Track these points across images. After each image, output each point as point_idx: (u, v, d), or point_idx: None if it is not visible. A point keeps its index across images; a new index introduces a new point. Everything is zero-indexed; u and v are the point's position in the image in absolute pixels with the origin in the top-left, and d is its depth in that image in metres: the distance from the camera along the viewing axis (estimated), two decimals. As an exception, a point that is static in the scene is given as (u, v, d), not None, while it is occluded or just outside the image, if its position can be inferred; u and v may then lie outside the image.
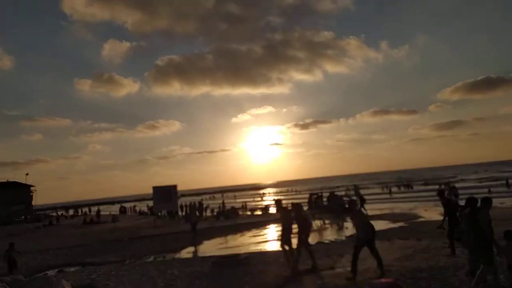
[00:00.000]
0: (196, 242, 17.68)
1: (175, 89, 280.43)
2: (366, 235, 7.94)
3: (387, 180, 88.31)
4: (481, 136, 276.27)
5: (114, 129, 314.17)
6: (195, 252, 15.70)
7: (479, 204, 6.36)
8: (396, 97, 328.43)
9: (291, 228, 9.60)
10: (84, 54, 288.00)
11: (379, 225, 18.69)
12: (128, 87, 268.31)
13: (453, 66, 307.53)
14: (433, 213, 22.62)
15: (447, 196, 10.13)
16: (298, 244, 9.16)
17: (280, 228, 10.05)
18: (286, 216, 9.83)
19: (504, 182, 43.73)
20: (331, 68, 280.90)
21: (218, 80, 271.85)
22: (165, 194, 28.25)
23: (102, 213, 43.98)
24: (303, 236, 9.17)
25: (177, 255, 15.00)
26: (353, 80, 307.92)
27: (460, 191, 34.25)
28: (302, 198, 41.66)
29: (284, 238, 9.75)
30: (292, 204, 10.85)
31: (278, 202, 10.49)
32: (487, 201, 6.30)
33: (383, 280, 2.06)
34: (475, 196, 6.73)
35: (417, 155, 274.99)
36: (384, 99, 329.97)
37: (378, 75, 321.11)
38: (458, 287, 6.58)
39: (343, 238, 15.70)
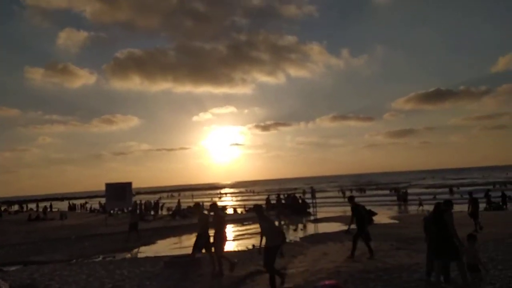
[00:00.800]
0: (138, 244, 16.86)
1: (134, 83, 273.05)
2: (273, 243, 7.25)
3: (343, 183, 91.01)
4: (431, 145, 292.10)
5: (67, 121, 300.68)
6: (146, 252, 15.29)
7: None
8: (354, 104, 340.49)
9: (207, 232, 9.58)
10: (37, 41, 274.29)
11: (333, 227, 19.20)
12: (84, 79, 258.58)
13: (407, 77, 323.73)
14: (383, 216, 23.54)
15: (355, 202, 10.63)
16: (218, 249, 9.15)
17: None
18: (204, 219, 9.80)
19: (448, 189, 46.61)
20: (294, 72, 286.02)
21: (180, 77, 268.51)
22: (119, 192, 27.28)
23: (50, 209, 41.82)
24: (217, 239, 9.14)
25: (128, 255, 14.54)
26: (315, 84, 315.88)
27: (409, 197, 36.12)
28: (259, 200, 41.94)
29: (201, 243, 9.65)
30: (210, 205, 10.36)
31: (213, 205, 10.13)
32: (449, 203, 7.19)
33: (326, 282, 2.09)
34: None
35: (372, 161, 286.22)
36: (343, 105, 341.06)
37: (339, 81, 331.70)
38: (402, 287, 6.86)
39: (298, 239, 15.91)
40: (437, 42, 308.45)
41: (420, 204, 28.10)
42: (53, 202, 68.53)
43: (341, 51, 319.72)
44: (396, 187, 51.11)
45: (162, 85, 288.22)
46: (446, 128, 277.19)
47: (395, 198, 38.32)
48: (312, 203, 30.98)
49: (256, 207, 7.96)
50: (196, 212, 10.24)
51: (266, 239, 7.32)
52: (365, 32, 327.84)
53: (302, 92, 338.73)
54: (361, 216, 10.26)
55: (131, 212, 21.20)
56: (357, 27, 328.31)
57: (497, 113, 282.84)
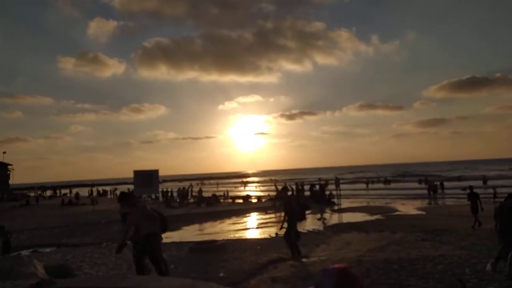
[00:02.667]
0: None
1: (161, 72, 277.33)
2: (146, 235, 6.19)
3: (369, 173, 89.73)
4: (462, 135, 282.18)
5: (98, 110, 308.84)
6: (173, 237, 15.75)
7: None
8: (383, 92, 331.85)
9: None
10: (68, 31, 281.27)
11: (357, 217, 19.10)
12: (114, 68, 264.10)
13: (440, 64, 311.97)
14: (410, 207, 23.18)
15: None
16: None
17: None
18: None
19: (481, 180, 45.09)
20: (321, 59, 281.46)
21: (206, 66, 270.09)
22: (146, 179, 27.98)
23: (81, 194, 43.53)
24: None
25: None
26: (342, 72, 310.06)
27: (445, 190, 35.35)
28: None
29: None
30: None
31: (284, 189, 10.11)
32: None
33: (335, 265, 2.11)
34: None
35: (400, 151, 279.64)
36: (371, 93, 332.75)
37: (367, 69, 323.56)
38: (425, 278, 6.81)
39: (321, 228, 15.94)
40: (472, 28, 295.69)
41: (495, 196, 26.48)
42: (85, 188, 71.12)
43: (371, 38, 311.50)
44: (426, 178, 49.87)
45: (189, 74, 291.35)
46: (480, 118, 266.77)
47: (423, 188, 37.51)
48: (336, 193, 30.79)
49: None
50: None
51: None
52: (396, 18, 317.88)
53: (329, 80, 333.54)
54: (293, 211, 9.38)
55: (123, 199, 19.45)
56: (388, 13, 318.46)
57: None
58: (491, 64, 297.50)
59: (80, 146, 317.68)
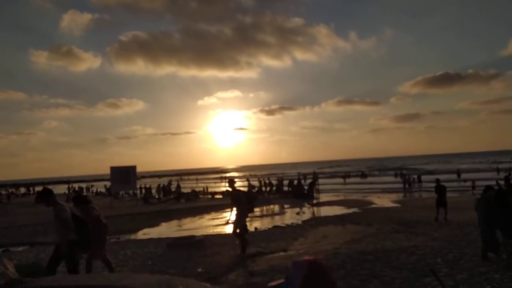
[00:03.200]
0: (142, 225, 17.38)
1: (139, 67, 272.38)
2: (64, 238, 5.57)
3: (347, 167, 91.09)
4: (437, 129, 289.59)
5: (73, 105, 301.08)
6: (151, 234, 15.60)
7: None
8: (360, 88, 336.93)
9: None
10: (41, 24, 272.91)
11: (334, 211, 19.40)
12: (89, 62, 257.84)
13: (415, 61, 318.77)
14: (385, 200, 23.70)
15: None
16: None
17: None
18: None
19: (455, 173, 46.46)
20: (300, 55, 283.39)
21: (185, 61, 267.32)
22: (124, 175, 27.63)
23: (56, 192, 42.39)
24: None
25: (133, 236, 14.84)
26: (321, 68, 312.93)
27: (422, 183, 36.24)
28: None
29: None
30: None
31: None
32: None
33: (306, 257, 2.17)
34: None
35: (377, 145, 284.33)
36: (349, 89, 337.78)
37: (345, 65, 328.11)
38: (399, 268, 6.99)
39: (300, 222, 16.11)
40: (446, 25, 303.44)
41: (473, 188, 27.20)
42: (61, 186, 69.42)
43: (349, 34, 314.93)
44: (402, 172, 51.06)
45: (167, 69, 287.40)
46: (453, 113, 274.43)
47: (399, 182, 38.40)
48: (315, 187, 31.17)
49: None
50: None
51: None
52: (373, 15, 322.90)
53: (308, 75, 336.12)
54: (242, 204, 9.00)
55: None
56: (366, 9, 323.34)
57: (505, 97, 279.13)
58: (464, 61, 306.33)
59: (55, 142, 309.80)
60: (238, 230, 9.12)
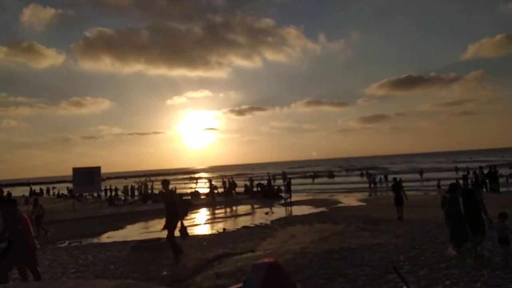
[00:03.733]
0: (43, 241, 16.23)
1: (105, 64, 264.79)
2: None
3: (316, 168, 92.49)
4: (401, 130, 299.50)
5: (33, 104, 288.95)
6: (114, 237, 15.13)
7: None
8: (329, 89, 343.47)
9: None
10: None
11: (303, 210, 19.58)
12: (51, 59, 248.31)
13: (381, 63, 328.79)
14: (352, 199, 24.20)
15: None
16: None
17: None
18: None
19: (418, 173, 48.20)
20: (270, 55, 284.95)
21: (153, 59, 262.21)
22: (87, 176, 26.72)
23: (15, 195, 40.37)
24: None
25: (95, 240, 14.33)
26: (291, 69, 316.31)
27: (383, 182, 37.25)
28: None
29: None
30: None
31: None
32: (477, 186, 7.77)
33: (266, 260, 2.12)
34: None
35: (345, 146, 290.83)
36: (318, 90, 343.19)
37: (314, 66, 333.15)
38: (363, 265, 7.11)
39: (268, 222, 16.12)
40: (411, 29, 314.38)
41: (438, 186, 28.02)
42: (20, 188, 66.38)
43: (318, 36, 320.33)
44: (367, 172, 52.36)
45: (135, 67, 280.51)
46: (416, 114, 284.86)
47: (365, 182, 39.34)
48: (284, 187, 31.39)
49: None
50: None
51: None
52: (341, 17, 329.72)
53: (278, 76, 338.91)
54: (176, 208, 8.58)
55: (34, 205, 16.64)
56: (334, 12, 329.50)
57: (465, 100, 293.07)
58: (427, 64, 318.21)
59: (14, 142, 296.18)
60: (171, 235, 8.63)
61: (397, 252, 7.98)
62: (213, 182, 31.33)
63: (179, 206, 8.70)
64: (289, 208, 21.64)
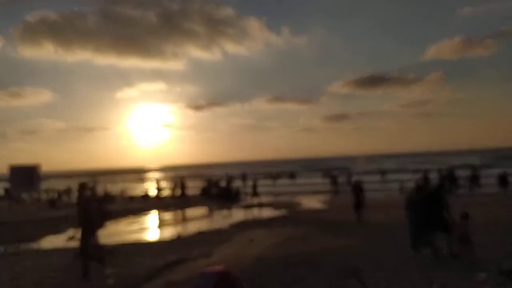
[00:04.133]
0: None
1: (47, 51, 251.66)
2: None
3: (277, 168, 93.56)
4: (363, 130, 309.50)
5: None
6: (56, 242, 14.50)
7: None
8: (292, 85, 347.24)
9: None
10: None
11: (262, 213, 19.74)
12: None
13: (345, 61, 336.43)
14: (313, 201, 24.70)
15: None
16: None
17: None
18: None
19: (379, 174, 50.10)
20: (231, 48, 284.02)
21: (102, 47, 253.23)
22: (25, 175, 25.47)
23: None
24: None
25: (34, 246, 13.68)
26: (252, 63, 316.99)
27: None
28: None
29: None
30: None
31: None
32: (442, 185, 9.15)
33: (215, 268, 2.06)
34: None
35: (307, 145, 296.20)
36: (280, 86, 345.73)
37: (277, 61, 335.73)
38: (323, 269, 7.28)
39: (226, 226, 16.09)
40: (375, 28, 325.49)
41: (401, 187, 28.84)
42: None
43: (282, 29, 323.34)
44: (330, 172, 53.65)
45: (81, 55, 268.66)
46: (378, 114, 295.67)
47: (327, 183, 40.26)
48: (244, 189, 31.50)
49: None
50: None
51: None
52: (306, 12, 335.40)
53: (239, 70, 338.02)
54: (90, 217, 8.06)
55: None
56: (299, 5, 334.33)
57: (424, 101, 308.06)
58: (389, 64, 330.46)
59: None
60: (84, 249, 7.97)
61: (358, 255, 8.25)
62: (164, 183, 30.83)
63: (95, 216, 8.09)
64: (248, 211, 21.73)
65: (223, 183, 33.75)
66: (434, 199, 7.82)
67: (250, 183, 26.98)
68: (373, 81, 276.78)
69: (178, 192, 30.59)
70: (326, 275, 6.95)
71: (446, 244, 7.72)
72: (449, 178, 23.89)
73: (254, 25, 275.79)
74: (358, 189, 14.99)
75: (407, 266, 7.08)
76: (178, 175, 71.28)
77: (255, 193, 25.52)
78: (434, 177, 29.14)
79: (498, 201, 18.30)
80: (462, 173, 29.28)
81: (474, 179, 25.64)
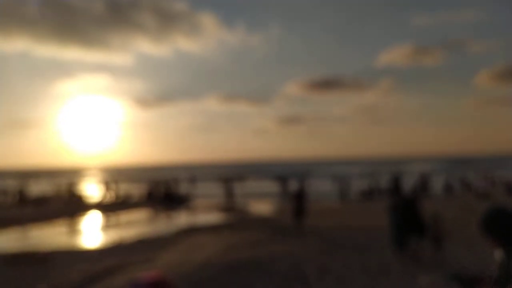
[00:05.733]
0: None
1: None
2: None
3: (226, 170, 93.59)
4: (316, 134, 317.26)
5: None
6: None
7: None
8: (244, 85, 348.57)
9: None
10: None
11: (211, 218, 19.81)
12: None
13: (299, 62, 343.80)
14: (262, 206, 25.14)
15: None
16: None
17: None
18: None
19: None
20: (182, 43, 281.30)
21: (41, 36, 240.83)
22: None
23: None
24: None
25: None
26: (204, 60, 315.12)
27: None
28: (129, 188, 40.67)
29: None
30: None
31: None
32: (417, 193, 9.74)
33: (147, 275, 2.03)
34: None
35: (259, 147, 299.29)
36: (232, 85, 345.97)
37: (230, 59, 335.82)
38: (272, 275, 7.51)
39: (172, 231, 16.00)
40: (331, 31, 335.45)
41: (363, 195, 29.68)
42: None
43: (236, 26, 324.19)
44: (281, 176, 54.50)
45: (16, 44, 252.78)
46: (331, 118, 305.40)
47: (278, 187, 40.93)
48: (192, 192, 31.37)
49: None
50: None
51: None
52: (261, 9, 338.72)
53: (190, 67, 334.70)
54: None
55: None
56: (255, 2, 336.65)
57: (376, 106, 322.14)
58: (343, 67, 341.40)
59: None
60: None
61: (306, 261, 8.57)
62: (101, 185, 30.11)
63: None
64: (196, 215, 21.70)
65: (170, 186, 33.42)
66: (412, 204, 8.77)
67: (198, 186, 26.88)
68: (327, 84, 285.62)
69: (114, 194, 30.03)
70: (275, 281, 7.18)
71: (419, 246, 8.59)
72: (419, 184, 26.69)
73: (207, 20, 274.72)
74: (299, 196, 14.14)
75: (354, 272, 7.48)
76: (123, 177, 69.45)
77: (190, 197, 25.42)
78: (383, 182, 30.70)
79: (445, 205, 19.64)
80: (408, 180, 31.03)
81: (423, 186, 27.84)
